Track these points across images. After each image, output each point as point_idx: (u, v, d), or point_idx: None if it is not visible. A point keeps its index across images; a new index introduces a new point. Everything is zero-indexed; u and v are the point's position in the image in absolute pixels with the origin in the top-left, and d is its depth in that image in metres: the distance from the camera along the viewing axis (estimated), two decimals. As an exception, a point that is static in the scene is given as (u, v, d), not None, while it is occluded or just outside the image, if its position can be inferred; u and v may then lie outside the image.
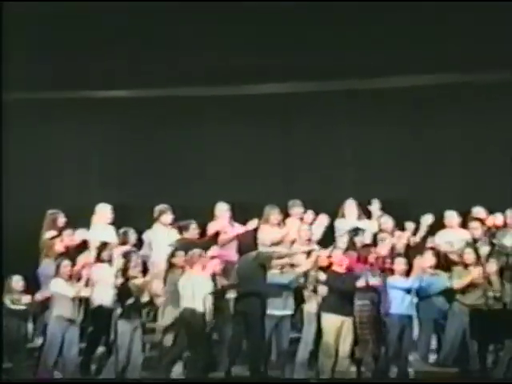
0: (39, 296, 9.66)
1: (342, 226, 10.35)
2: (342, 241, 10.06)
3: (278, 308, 9.57)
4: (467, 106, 11.01)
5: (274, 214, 10.35)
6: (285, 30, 10.59)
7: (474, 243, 9.71)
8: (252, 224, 10.21)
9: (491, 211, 10.11)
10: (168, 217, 10.43)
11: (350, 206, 10.46)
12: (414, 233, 10.15)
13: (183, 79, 11.06)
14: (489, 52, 10.31)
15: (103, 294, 9.51)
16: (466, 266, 9.37)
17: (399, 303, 9.35)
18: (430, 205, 10.50)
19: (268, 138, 11.49)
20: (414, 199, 10.94)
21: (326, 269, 9.62)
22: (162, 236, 10.32)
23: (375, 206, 10.54)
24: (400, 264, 9.50)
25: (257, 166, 11.48)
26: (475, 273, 9.24)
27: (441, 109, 11.06)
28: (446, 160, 11.12)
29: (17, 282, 9.54)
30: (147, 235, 10.44)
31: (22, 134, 11.28)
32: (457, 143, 11.12)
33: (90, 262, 9.77)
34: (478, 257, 9.45)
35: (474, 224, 9.91)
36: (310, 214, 10.41)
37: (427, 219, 10.10)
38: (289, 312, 9.66)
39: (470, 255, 9.36)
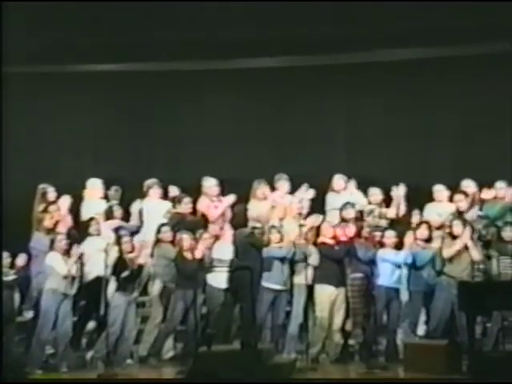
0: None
1: (332, 200, 10.36)
2: (332, 215, 10.08)
3: (277, 282, 9.59)
4: (455, 79, 11.00)
5: (260, 188, 10.35)
6: (276, 4, 10.54)
7: (459, 215, 9.70)
8: (229, 199, 10.21)
9: (482, 184, 10.10)
10: (157, 191, 10.46)
11: (339, 181, 10.45)
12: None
13: (173, 53, 11.06)
14: (476, 25, 10.31)
15: (95, 268, 9.56)
16: (454, 237, 9.38)
17: (388, 276, 9.41)
18: (420, 179, 10.52)
19: (258, 113, 11.48)
20: (403, 174, 10.91)
21: (318, 242, 9.67)
22: (151, 209, 10.36)
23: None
24: (390, 237, 9.54)
25: (246, 141, 11.49)
26: (462, 242, 9.26)
27: (429, 83, 11.06)
28: (436, 134, 11.13)
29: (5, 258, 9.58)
30: (136, 208, 10.49)
31: (17, 108, 11.21)
32: (445, 117, 11.11)
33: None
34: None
35: (458, 197, 9.94)
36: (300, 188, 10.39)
37: (400, 190, 10.13)
38: (285, 287, 9.66)
39: (457, 227, 9.36)
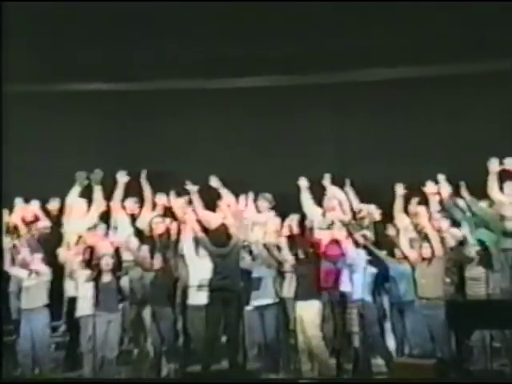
0: None
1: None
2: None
3: (259, 297, 9.55)
4: (443, 97, 11.14)
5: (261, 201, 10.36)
6: (263, 23, 10.62)
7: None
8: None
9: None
10: (129, 203, 10.49)
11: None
12: None
13: (168, 71, 11.11)
14: (460, 44, 10.46)
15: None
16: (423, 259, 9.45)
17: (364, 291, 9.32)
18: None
19: (244, 132, 11.53)
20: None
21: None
22: (122, 221, 10.43)
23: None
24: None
25: (234, 160, 11.49)
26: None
27: (417, 100, 11.18)
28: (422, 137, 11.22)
29: None
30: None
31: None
32: (431, 118, 11.19)
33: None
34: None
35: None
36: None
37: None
38: (270, 301, 9.63)
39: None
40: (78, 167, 11.21)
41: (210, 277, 9.19)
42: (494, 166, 9.86)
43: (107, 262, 9.56)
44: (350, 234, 9.60)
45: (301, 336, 9.37)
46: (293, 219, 9.86)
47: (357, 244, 9.52)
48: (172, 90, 11.53)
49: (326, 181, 10.61)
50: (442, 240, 9.46)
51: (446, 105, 11.14)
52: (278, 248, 9.74)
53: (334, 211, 10.26)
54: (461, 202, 9.96)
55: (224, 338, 9.38)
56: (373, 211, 10.24)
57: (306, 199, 10.47)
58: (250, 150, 11.55)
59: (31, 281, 9.50)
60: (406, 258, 9.52)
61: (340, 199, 10.39)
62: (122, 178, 10.59)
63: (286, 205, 10.52)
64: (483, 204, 9.85)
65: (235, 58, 10.83)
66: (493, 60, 10.58)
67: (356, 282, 9.28)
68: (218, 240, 9.28)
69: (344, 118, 11.40)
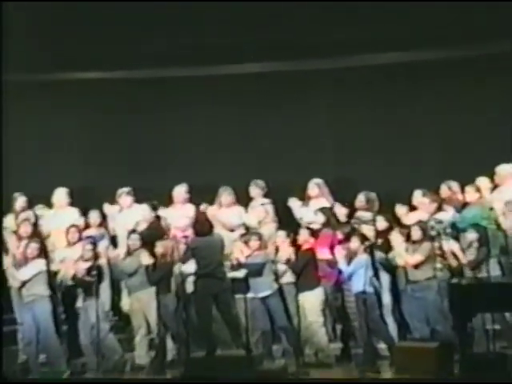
0: None
1: (305, 210, 10.35)
2: (309, 222, 10.10)
3: (259, 290, 9.55)
4: (443, 83, 11.12)
5: (225, 195, 10.40)
6: (262, 9, 10.53)
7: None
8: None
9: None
10: (126, 199, 10.49)
11: (313, 188, 10.43)
12: None
13: (159, 60, 11.04)
14: (462, 27, 10.42)
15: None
16: (413, 242, 9.45)
17: (360, 280, 9.31)
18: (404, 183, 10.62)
19: (243, 119, 11.49)
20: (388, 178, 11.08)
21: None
22: (120, 218, 10.43)
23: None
24: (355, 242, 9.46)
25: (232, 147, 11.50)
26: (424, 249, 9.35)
27: (417, 86, 11.17)
28: (422, 137, 11.24)
29: None
30: (110, 217, 10.54)
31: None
32: (432, 120, 11.20)
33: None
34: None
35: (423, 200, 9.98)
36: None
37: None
38: (270, 291, 9.66)
39: (415, 232, 9.45)
40: (79, 158, 11.33)
41: (194, 265, 9.19)
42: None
43: (90, 252, 9.63)
44: (348, 236, 9.62)
45: (302, 322, 9.42)
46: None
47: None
48: (163, 78, 11.49)
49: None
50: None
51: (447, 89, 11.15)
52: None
53: (317, 199, 10.32)
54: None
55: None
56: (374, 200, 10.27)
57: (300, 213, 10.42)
58: (242, 139, 11.55)
59: (30, 275, 9.50)
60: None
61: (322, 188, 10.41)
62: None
63: (277, 193, 10.58)
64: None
65: (232, 44, 10.79)
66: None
67: (356, 275, 9.31)
68: (200, 229, 9.28)
69: (341, 106, 11.38)
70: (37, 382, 7.96)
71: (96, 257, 9.70)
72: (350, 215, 10.17)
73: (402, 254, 9.41)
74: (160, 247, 9.69)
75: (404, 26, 10.60)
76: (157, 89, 11.51)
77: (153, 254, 9.69)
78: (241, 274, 9.36)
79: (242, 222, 10.37)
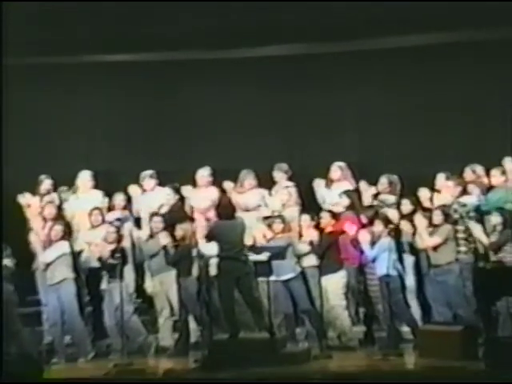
0: None
1: (329, 193, 10.34)
2: (332, 204, 10.09)
3: (281, 273, 9.55)
4: (465, 65, 11.03)
5: (247, 179, 10.39)
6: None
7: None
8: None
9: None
10: (150, 182, 10.50)
11: (336, 170, 10.40)
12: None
13: (182, 42, 10.99)
14: (485, 10, 10.29)
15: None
16: (434, 226, 9.42)
17: (384, 263, 9.28)
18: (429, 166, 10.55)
19: (267, 102, 11.41)
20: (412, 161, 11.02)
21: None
22: (144, 201, 10.45)
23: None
24: (380, 225, 9.41)
25: (256, 130, 11.45)
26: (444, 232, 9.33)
27: (439, 69, 11.05)
28: (446, 120, 11.14)
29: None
30: (135, 200, 10.55)
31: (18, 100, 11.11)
32: (457, 102, 11.11)
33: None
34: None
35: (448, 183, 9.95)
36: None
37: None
38: (293, 274, 9.67)
39: (437, 216, 9.42)
40: (103, 141, 11.36)
41: (217, 248, 9.19)
42: None
43: (115, 234, 9.70)
44: (372, 219, 9.58)
45: (325, 305, 9.42)
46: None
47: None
48: (187, 61, 11.46)
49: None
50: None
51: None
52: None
53: (339, 182, 10.30)
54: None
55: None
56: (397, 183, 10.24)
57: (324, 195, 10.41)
58: (265, 121, 11.51)
59: (54, 257, 9.57)
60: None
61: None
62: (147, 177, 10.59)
63: (301, 177, 10.57)
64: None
65: (258, 26, 10.71)
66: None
67: (380, 259, 9.28)
68: (224, 213, 9.30)
69: (366, 89, 11.29)
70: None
71: (120, 239, 9.74)
72: (373, 198, 10.13)
73: (424, 237, 9.36)
74: (180, 230, 9.72)
75: (429, 7, 10.47)
76: (181, 71, 11.47)
77: (173, 237, 9.72)
78: (263, 257, 9.34)
79: (264, 204, 10.37)
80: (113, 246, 9.61)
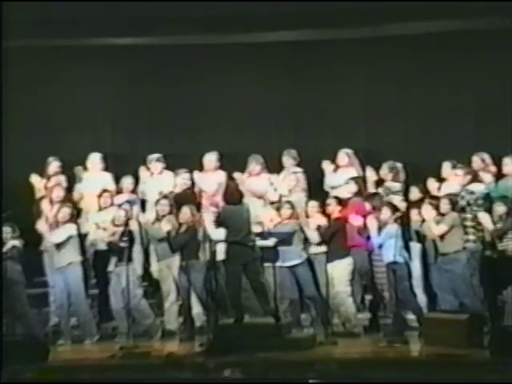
0: None
1: (336, 178, 10.35)
2: (339, 191, 10.08)
3: (288, 259, 9.56)
4: (475, 53, 10.95)
5: (253, 164, 10.38)
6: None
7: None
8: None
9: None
10: (157, 165, 10.50)
11: (343, 157, 10.41)
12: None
13: (187, 27, 10.91)
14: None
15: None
16: (442, 215, 9.35)
17: (390, 250, 9.26)
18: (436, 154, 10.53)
19: (276, 88, 11.35)
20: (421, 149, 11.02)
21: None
22: (151, 184, 10.45)
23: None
24: (388, 213, 9.39)
25: (261, 116, 11.42)
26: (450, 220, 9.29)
27: (448, 56, 10.99)
28: (453, 108, 11.08)
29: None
30: (142, 182, 10.58)
31: (21, 81, 11.07)
32: (465, 91, 11.09)
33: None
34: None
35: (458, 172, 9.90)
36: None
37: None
38: (300, 260, 9.68)
39: (444, 205, 9.36)
40: (111, 125, 11.35)
41: (224, 233, 9.17)
42: None
43: (124, 216, 9.70)
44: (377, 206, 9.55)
45: (330, 291, 9.43)
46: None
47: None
48: (194, 45, 11.39)
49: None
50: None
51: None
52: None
53: (346, 168, 10.30)
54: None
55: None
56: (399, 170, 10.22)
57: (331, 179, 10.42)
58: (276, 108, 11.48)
59: (61, 239, 9.59)
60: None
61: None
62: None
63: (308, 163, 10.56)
64: None
65: (266, 11, 10.64)
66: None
67: (387, 246, 9.26)
68: (231, 198, 9.27)
69: (374, 77, 11.25)
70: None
71: (128, 222, 9.74)
72: (378, 185, 10.16)
73: (431, 226, 9.36)
74: (184, 214, 9.70)
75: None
76: (187, 56, 11.42)
77: (179, 221, 9.73)
78: (270, 242, 9.34)
79: (272, 189, 10.35)
80: (121, 229, 9.61)
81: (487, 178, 9.87)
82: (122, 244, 9.46)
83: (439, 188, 9.99)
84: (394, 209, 9.46)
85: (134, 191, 10.53)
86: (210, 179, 10.43)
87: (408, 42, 11.01)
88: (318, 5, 10.36)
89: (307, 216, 9.81)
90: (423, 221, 9.53)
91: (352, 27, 10.88)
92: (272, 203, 10.17)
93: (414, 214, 9.66)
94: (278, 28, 10.99)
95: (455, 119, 11.06)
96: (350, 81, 11.30)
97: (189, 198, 10.18)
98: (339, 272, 9.52)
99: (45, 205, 10.11)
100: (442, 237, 9.32)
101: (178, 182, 10.36)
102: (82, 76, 11.44)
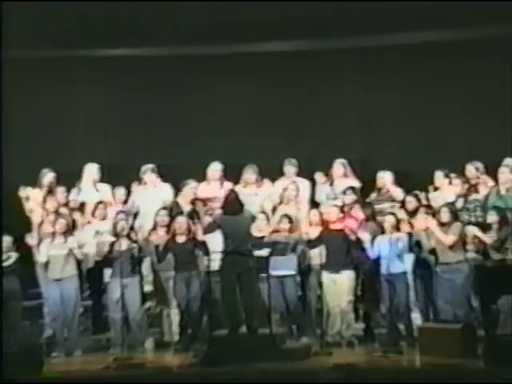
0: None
1: (331, 187, 10.37)
2: (332, 201, 10.10)
3: (279, 268, 9.55)
4: (469, 62, 11.05)
5: (248, 173, 10.39)
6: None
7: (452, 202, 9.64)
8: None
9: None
10: (150, 177, 10.47)
11: (339, 167, 10.43)
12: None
13: (183, 37, 10.98)
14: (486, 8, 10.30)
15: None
16: (442, 224, 9.29)
17: (390, 261, 9.29)
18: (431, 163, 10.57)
19: (271, 97, 11.43)
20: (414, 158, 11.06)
21: (323, 227, 9.69)
22: (142, 196, 10.42)
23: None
24: (390, 222, 9.43)
25: (259, 126, 11.47)
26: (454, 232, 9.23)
27: (443, 66, 11.08)
28: (448, 117, 11.15)
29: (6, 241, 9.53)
30: (135, 193, 10.52)
31: (19, 93, 11.13)
32: (458, 101, 11.15)
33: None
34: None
35: (455, 182, 9.96)
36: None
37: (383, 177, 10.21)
38: (289, 272, 9.66)
39: (444, 214, 9.30)
40: (105, 135, 11.36)
41: (221, 243, 9.14)
42: None
43: (123, 227, 9.65)
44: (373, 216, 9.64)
45: (331, 301, 9.42)
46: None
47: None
48: (190, 56, 11.47)
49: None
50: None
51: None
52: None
53: (342, 178, 10.33)
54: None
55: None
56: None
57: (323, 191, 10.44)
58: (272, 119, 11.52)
59: (58, 251, 9.56)
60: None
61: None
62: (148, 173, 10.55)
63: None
64: None
65: (261, 21, 10.73)
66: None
67: (383, 256, 9.28)
68: (229, 209, 9.25)
69: (368, 86, 11.34)
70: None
71: (128, 233, 9.70)
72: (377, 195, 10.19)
73: (439, 236, 9.23)
74: (181, 223, 9.68)
75: (432, 4, 10.46)
76: (183, 66, 11.48)
77: (175, 231, 9.70)
78: (264, 252, 9.32)
79: (269, 199, 10.33)
80: (117, 240, 9.60)
81: (482, 187, 9.88)
82: (118, 255, 9.43)
83: (429, 197, 9.99)
84: (392, 219, 9.44)
85: (125, 202, 10.51)
86: (211, 189, 10.39)
87: (403, 52, 11.10)
88: (314, 15, 10.42)
89: (310, 224, 9.77)
90: (421, 231, 9.48)
91: (347, 37, 10.96)
92: (263, 213, 10.14)
93: (414, 223, 9.57)
94: (275, 38, 11.09)
95: (448, 127, 11.12)
96: (345, 91, 11.38)
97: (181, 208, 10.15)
98: (340, 283, 9.46)
99: (38, 216, 10.07)
100: (451, 247, 9.20)
101: (185, 191, 10.29)
102: (76, 87, 11.48)
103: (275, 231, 9.78)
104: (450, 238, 9.22)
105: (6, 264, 9.46)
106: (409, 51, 11.06)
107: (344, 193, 10.07)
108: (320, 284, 9.59)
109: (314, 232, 9.67)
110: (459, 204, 9.68)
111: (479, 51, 10.94)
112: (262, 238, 9.72)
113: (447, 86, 11.13)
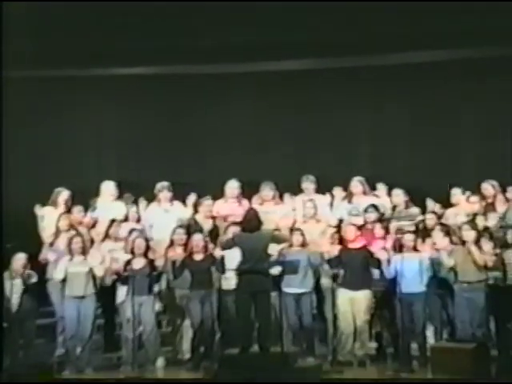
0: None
1: (350, 204, 10.30)
2: (354, 218, 10.00)
3: (295, 286, 9.51)
4: (481, 81, 11.00)
5: (264, 190, 10.37)
6: (300, 6, 10.48)
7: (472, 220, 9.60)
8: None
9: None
10: (166, 194, 10.45)
11: (357, 185, 10.38)
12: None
13: (192, 56, 11.04)
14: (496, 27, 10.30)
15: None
16: (463, 243, 9.24)
17: (408, 280, 9.21)
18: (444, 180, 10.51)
19: (281, 116, 11.46)
20: (427, 175, 11.00)
21: (340, 245, 9.63)
22: (158, 214, 10.39)
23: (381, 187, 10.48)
24: (409, 241, 9.38)
25: (270, 143, 11.49)
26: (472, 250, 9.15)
27: (454, 84, 11.08)
28: (460, 135, 11.14)
29: (19, 259, 9.52)
30: (145, 212, 10.50)
31: (22, 113, 11.14)
32: (470, 118, 11.13)
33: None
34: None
35: (472, 199, 9.90)
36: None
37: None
38: (306, 290, 9.61)
39: (467, 232, 9.24)
40: (116, 154, 11.42)
41: (238, 261, 9.09)
42: None
43: (139, 246, 9.61)
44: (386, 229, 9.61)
45: (345, 320, 9.36)
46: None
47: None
48: (205, 74, 11.51)
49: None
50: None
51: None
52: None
53: (360, 196, 10.27)
54: None
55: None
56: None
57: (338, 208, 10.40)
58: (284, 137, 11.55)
59: (79, 268, 9.55)
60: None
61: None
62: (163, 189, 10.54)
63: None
64: None
65: (271, 41, 10.76)
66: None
67: (401, 276, 9.19)
68: (248, 226, 9.22)
69: (379, 104, 11.34)
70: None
71: (141, 251, 9.63)
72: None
73: (478, 256, 9.07)
74: (198, 241, 9.64)
75: (440, 24, 10.47)
76: (197, 84, 11.54)
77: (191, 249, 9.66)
78: (275, 271, 9.22)
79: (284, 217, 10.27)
80: (132, 258, 9.57)
81: (500, 205, 9.81)
82: (131, 273, 9.41)
83: (442, 215, 9.92)
84: (412, 236, 9.38)
85: (139, 220, 10.49)
86: (229, 206, 10.38)
87: (414, 69, 11.07)
88: (320, 34, 10.46)
89: (323, 244, 9.73)
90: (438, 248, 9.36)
91: (356, 56, 10.96)
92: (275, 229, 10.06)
93: (435, 240, 9.47)
94: (285, 57, 11.10)
95: (461, 145, 11.11)
96: (355, 107, 11.37)
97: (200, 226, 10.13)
98: (358, 302, 9.39)
99: (52, 234, 10.08)
100: (485, 266, 9.09)
101: (203, 208, 10.30)
102: (87, 105, 11.54)
103: (289, 246, 9.73)
104: (489, 259, 9.13)
105: (29, 282, 9.47)
106: (419, 68, 11.04)
107: (366, 211, 10.01)
108: (334, 302, 9.53)
109: (334, 250, 9.61)
110: (480, 222, 9.58)
111: (493, 68, 10.89)
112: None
113: (458, 101, 11.12)
